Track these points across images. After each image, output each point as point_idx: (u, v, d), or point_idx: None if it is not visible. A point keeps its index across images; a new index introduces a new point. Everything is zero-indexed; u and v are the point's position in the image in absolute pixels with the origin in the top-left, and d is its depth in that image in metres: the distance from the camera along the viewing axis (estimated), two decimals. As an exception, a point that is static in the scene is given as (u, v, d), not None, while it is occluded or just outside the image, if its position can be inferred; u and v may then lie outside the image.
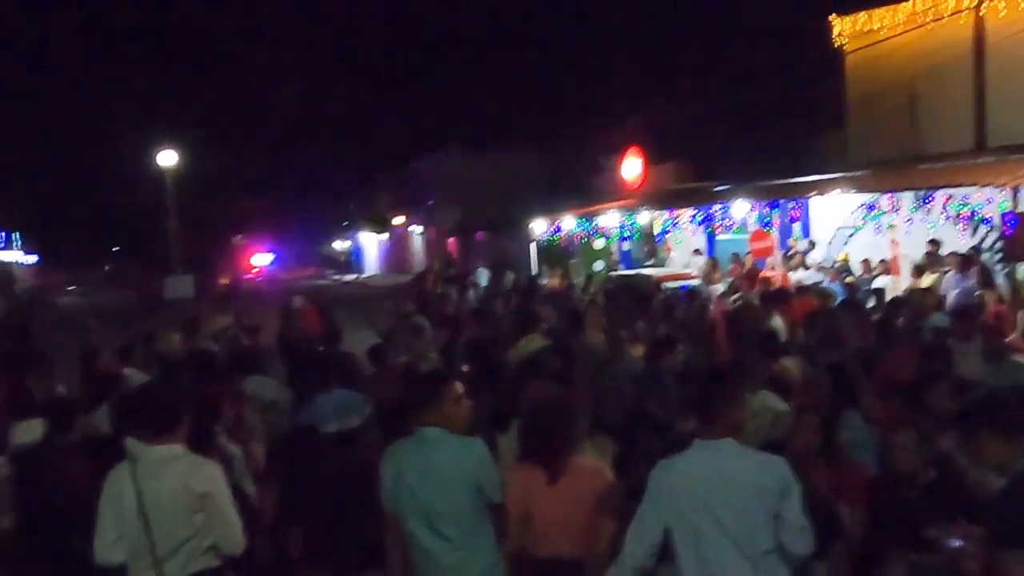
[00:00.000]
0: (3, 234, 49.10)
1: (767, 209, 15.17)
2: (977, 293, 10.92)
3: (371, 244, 56.85)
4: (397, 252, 50.71)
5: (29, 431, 5.46)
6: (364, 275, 52.20)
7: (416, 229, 46.14)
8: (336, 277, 53.29)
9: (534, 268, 22.82)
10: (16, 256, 51.28)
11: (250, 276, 57.25)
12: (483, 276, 20.72)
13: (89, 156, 59.02)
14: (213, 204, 53.11)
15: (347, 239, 60.68)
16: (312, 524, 4.20)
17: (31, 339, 14.34)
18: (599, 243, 20.17)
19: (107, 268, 63.58)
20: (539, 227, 22.80)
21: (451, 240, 39.80)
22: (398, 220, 46.97)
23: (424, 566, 3.87)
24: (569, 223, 21.61)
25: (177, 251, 28.39)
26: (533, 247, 23.76)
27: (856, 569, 3.71)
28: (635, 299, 11.71)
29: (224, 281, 44.86)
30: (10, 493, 4.96)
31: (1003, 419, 3.29)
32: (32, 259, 55.93)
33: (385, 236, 53.01)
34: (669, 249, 19.32)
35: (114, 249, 67.15)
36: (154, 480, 3.80)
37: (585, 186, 27.09)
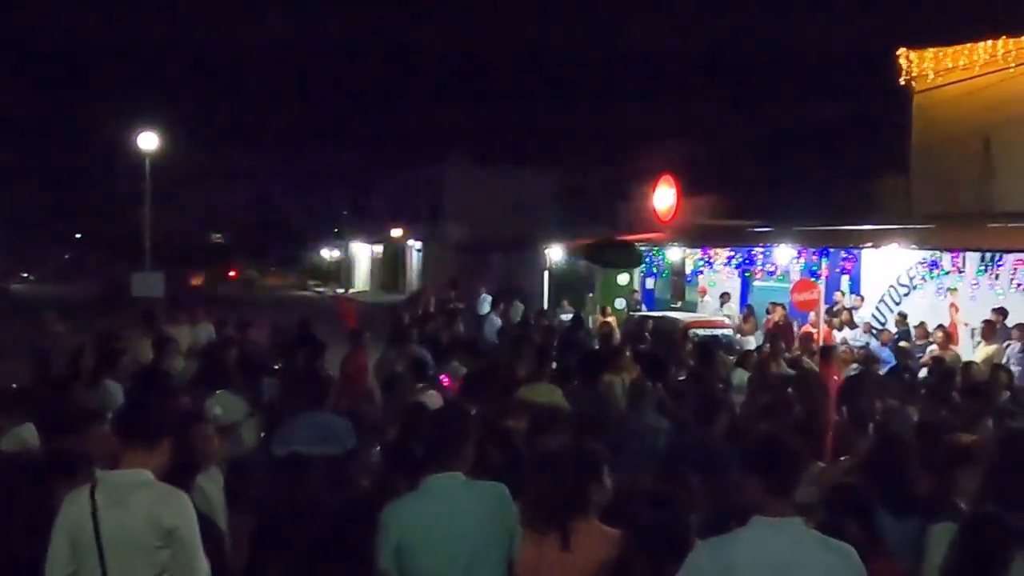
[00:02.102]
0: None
1: (815, 257, 15.09)
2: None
3: (363, 256, 56.87)
4: (392, 268, 50.72)
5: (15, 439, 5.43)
6: (353, 290, 52.18)
7: (415, 244, 46.19)
8: (321, 289, 53.29)
9: (546, 299, 22.73)
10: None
11: (225, 280, 57.28)
12: (485, 303, 20.58)
13: (53, 132, 59.25)
14: (191, 197, 53.26)
15: (336, 248, 60.69)
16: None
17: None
18: (623, 278, 20.08)
19: (67, 257, 63.67)
20: (555, 254, 22.70)
21: (454, 259, 39.78)
22: (396, 232, 47.03)
23: None
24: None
25: (148, 245, 28.34)
26: (546, 275, 23.67)
27: None
28: (664, 345, 11.61)
29: (196, 283, 44.94)
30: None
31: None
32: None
33: (380, 249, 53.04)
34: (704, 291, 19.21)
35: (76, 236, 67.22)
36: (116, 509, 3.71)
37: (609, 213, 27.08)
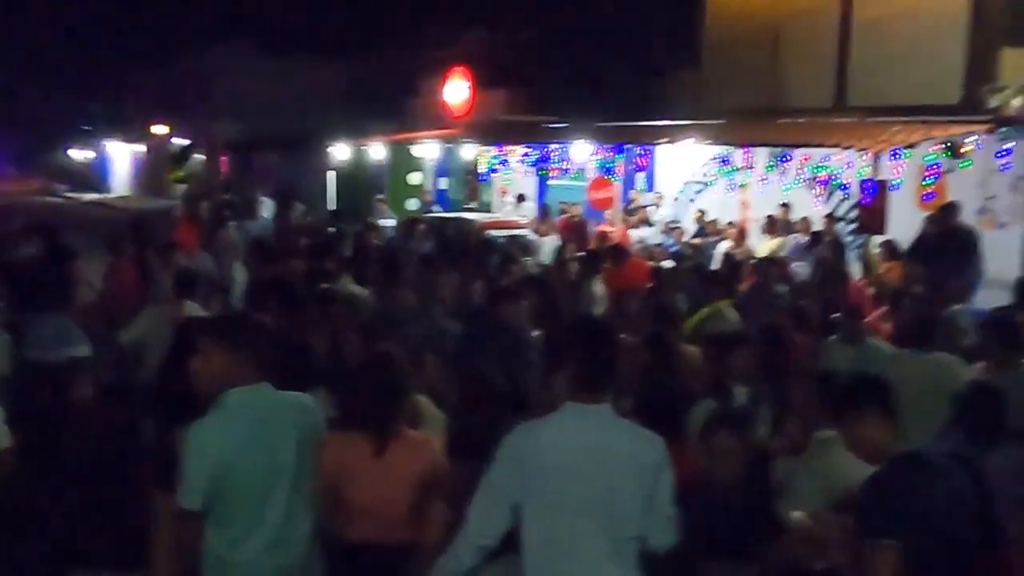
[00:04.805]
0: None
1: (611, 154, 15.61)
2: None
3: (122, 157, 53.66)
4: (155, 169, 48.19)
5: None
6: (111, 195, 49.33)
7: (182, 143, 44.00)
8: (71, 194, 50.03)
9: (331, 201, 22.42)
10: None
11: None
12: (267, 207, 20.02)
13: None
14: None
15: (89, 148, 56.83)
16: (64, 507, 3.91)
17: None
18: (415, 178, 20.02)
19: None
20: (340, 153, 22.32)
21: (226, 160, 38.38)
22: (159, 130, 44.52)
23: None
24: (378, 151, 21.32)
25: None
26: (331, 176, 23.27)
27: None
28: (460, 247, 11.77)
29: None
30: None
31: (883, 399, 3.58)
32: None
33: (142, 148, 50.18)
34: (505, 191, 19.44)
35: None
36: None
37: (398, 109, 26.72)
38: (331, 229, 14.57)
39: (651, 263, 11.59)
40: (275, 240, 13.26)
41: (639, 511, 3.39)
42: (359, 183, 22.50)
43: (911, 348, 6.42)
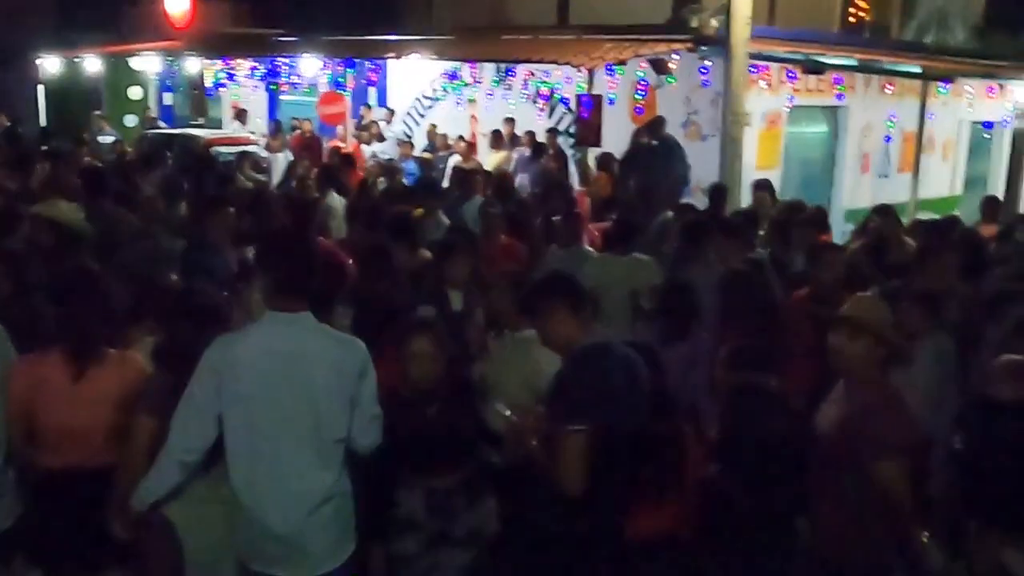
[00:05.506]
0: None
1: (341, 69, 15.30)
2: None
3: None
4: None
5: None
6: None
7: None
8: None
9: (42, 117, 20.69)
10: None
11: None
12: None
13: None
14: None
15: None
16: None
17: None
18: (135, 92, 18.80)
19: None
20: (50, 65, 20.64)
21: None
22: None
23: None
24: (93, 64, 19.89)
25: None
26: (41, 91, 21.45)
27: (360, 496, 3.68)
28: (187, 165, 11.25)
29: None
30: None
31: (569, 295, 3.79)
32: None
33: None
34: (237, 107, 18.58)
35: None
36: None
37: (114, 18, 24.83)
38: (43, 147, 13.47)
39: (377, 178, 11.58)
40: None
41: (343, 415, 3.45)
42: (73, 98, 20.87)
43: (614, 251, 6.84)
